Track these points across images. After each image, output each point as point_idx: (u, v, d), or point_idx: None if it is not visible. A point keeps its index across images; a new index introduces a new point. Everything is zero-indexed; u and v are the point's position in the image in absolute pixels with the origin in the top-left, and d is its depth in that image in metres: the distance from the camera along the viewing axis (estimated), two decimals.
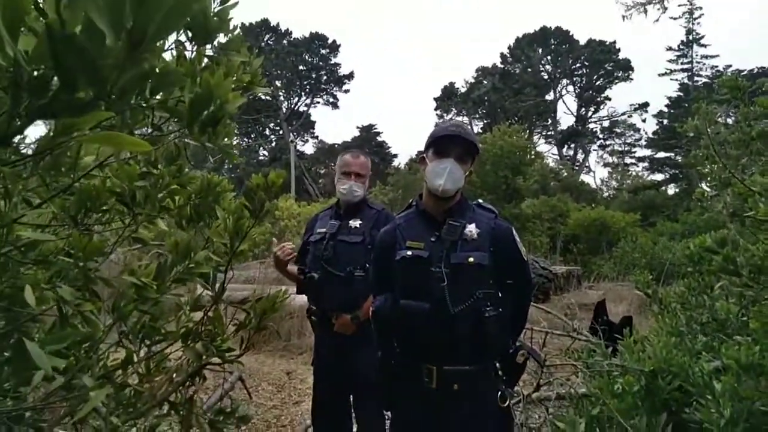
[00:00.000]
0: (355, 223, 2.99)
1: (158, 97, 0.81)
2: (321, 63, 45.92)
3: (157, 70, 0.71)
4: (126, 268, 1.10)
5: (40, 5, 0.72)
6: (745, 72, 32.58)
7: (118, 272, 1.12)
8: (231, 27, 1.22)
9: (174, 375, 1.23)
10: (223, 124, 0.91)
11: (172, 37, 1.05)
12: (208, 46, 1.18)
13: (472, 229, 2.04)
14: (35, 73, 0.59)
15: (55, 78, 0.57)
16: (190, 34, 1.14)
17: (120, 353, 1.17)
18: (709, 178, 3.47)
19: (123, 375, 1.15)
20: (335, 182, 3.12)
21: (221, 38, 1.24)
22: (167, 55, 1.09)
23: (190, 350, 1.21)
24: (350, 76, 46.18)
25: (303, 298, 3.21)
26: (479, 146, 2.15)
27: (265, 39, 44.16)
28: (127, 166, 1.14)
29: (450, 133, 2.07)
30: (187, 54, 1.09)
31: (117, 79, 0.58)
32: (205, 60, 1.10)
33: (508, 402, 2.02)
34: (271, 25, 44.63)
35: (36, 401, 1.10)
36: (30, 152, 0.95)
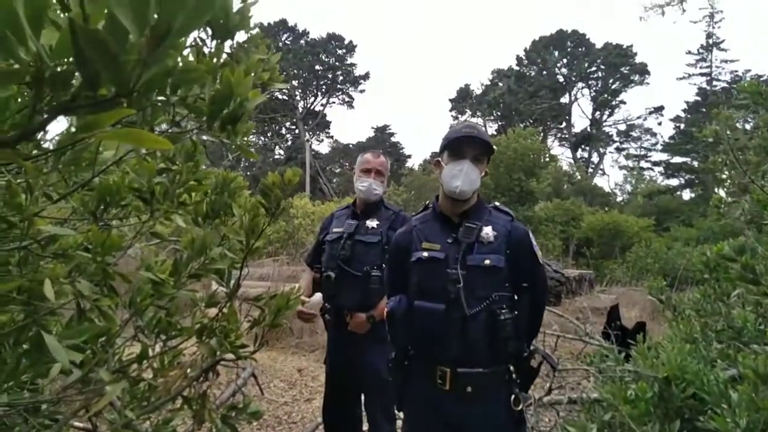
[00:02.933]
0: (373, 223, 3.01)
1: (179, 93, 0.81)
2: (337, 63, 45.85)
3: (179, 67, 0.72)
4: (143, 263, 1.10)
5: None
6: (765, 77, 32.11)
7: (135, 267, 1.12)
8: (251, 25, 1.22)
9: (188, 370, 1.23)
10: (243, 121, 0.92)
11: (193, 34, 1.05)
12: (228, 43, 1.18)
13: (488, 231, 2.03)
14: (58, 68, 0.59)
15: (77, 74, 0.57)
16: (210, 31, 1.14)
17: (135, 347, 1.18)
18: (726, 184, 3.43)
19: (138, 369, 1.16)
20: (354, 180, 3.13)
21: (241, 35, 1.24)
22: (187, 52, 1.09)
23: (204, 346, 1.22)
24: (366, 77, 46.14)
25: (317, 297, 3.22)
26: (493, 147, 2.14)
27: (282, 39, 44.22)
28: (145, 162, 1.15)
29: (465, 135, 2.06)
30: (206, 51, 1.10)
31: (140, 76, 0.58)
32: (224, 56, 1.10)
33: (521, 406, 2.01)
34: (289, 25, 44.69)
35: (53, 394, 1.11)
36: (51, 147, 0.96)
